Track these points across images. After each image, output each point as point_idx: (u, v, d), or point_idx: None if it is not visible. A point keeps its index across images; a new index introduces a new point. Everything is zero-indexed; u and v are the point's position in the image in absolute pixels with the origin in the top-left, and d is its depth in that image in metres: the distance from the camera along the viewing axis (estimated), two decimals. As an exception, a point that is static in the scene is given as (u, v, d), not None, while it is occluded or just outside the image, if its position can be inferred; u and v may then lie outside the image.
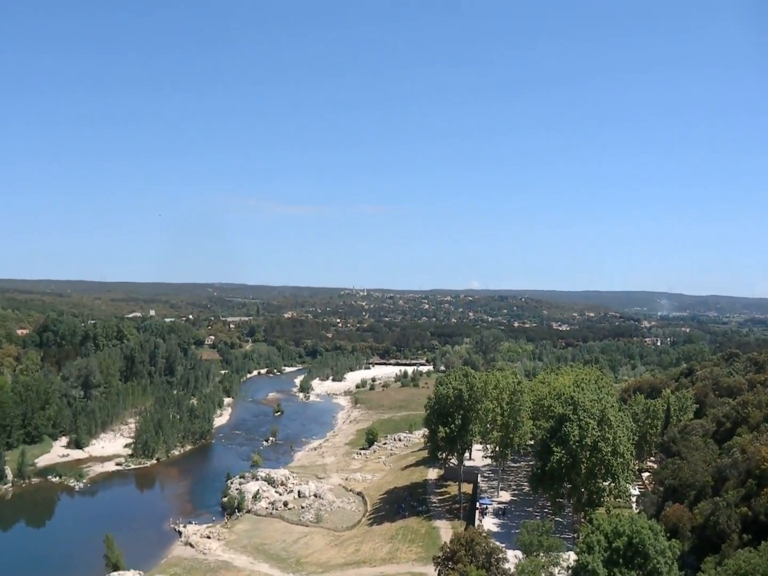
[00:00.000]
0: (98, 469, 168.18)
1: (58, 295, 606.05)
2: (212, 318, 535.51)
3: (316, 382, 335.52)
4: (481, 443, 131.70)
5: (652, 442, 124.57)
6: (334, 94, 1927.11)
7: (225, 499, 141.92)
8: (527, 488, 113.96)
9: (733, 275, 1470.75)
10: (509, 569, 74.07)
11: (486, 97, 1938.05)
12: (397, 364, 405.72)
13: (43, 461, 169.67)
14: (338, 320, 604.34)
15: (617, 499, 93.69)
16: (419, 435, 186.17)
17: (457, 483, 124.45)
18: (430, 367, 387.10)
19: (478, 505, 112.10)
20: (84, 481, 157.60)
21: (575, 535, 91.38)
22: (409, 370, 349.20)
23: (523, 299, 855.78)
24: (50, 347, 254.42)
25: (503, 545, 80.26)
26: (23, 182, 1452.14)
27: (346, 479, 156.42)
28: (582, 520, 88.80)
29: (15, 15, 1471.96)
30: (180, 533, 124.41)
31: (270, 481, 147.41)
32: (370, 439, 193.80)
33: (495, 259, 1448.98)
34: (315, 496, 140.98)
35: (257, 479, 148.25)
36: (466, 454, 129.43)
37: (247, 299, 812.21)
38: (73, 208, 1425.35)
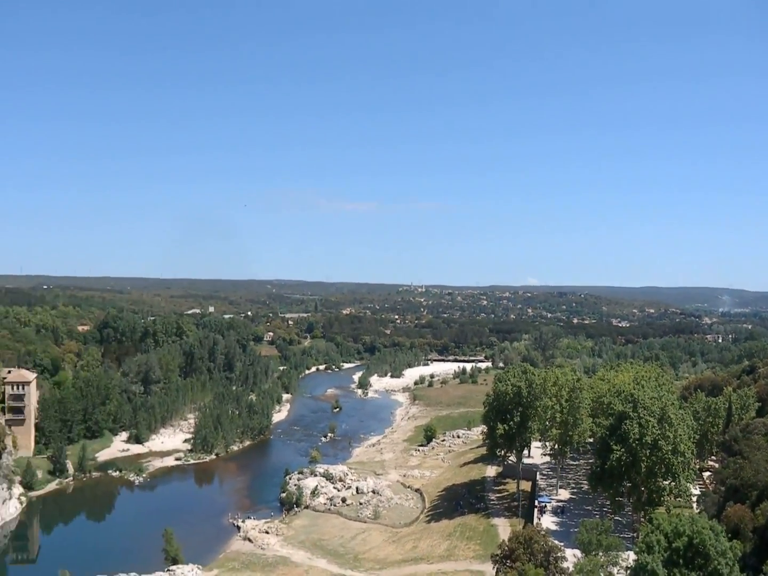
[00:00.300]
0: (158, 463, 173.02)
1: (118, 292, 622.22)
2: (270, 314, 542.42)
3: (374, 379, 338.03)
4: (540, 441, 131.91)
5: (714, 441, 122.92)
6: (394, 92, 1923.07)
7: (283, 495, 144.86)
8: (586, 486, 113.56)
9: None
10: (568, 568, 74.43)
11: (541, 96, 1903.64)
12: (456, 360, 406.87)
13: (103, 456, 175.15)
14: (396, 316, 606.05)
15: (677, 499, 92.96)
16: (477, 432, 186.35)
17: (515, 480, 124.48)
18: (489, 364, 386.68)
19: (536, 503, 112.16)
20: (143, 475, 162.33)
21: (635, 534, 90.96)
22: (468, 366, 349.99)
23: (582, 295, 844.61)
24: (110, 343, 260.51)
25: (562, 544, 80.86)
26: (86, 178, 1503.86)
27: (404, 476, 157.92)
28: (642, 519, 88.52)
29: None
30: (238, 528, 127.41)
31: (328, 477, 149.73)
32: (428, 435, 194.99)
33: (554, 255, 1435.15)
34: (373, 492, 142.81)
35: (315, 475, 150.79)
36: (525, 452, 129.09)
37: (305, 296, 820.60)
38: (133, 205, 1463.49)
